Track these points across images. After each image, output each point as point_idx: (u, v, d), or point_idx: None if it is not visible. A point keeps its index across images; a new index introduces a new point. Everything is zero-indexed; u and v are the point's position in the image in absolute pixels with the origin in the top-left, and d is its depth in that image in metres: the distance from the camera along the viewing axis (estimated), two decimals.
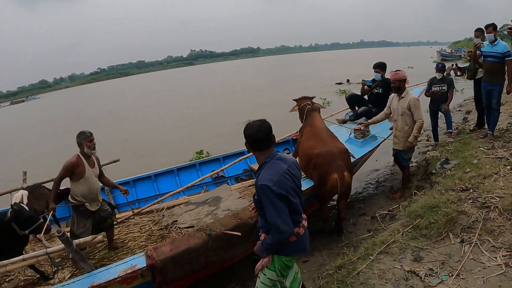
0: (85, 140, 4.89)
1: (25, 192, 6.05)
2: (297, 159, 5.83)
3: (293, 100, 6.42)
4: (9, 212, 4.35)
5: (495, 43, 6.65)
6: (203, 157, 9.66)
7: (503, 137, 6.81)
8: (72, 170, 4.83)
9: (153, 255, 4.09)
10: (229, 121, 15.60)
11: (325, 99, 18.25)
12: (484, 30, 6.89)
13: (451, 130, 7.86)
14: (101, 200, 5.26)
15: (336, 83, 27.18)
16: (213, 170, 7.41)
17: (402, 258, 3.77)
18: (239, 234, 4.39)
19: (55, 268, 5.13)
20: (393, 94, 6.27)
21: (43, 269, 5.13)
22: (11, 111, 57.26)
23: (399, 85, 5.90)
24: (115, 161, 7.20)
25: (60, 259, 5.31)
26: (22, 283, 5.02)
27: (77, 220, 5.02)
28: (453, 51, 47.84)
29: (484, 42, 6.92)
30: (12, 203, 5.65)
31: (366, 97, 7.64)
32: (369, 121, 6.57)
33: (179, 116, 21.55)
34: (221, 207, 5.99)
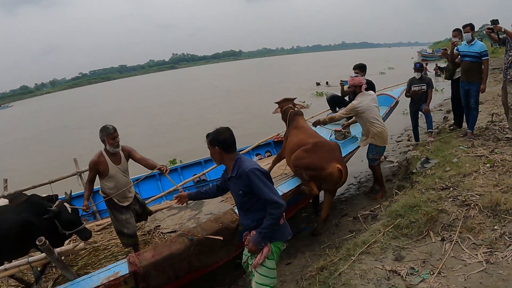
0: (107, 137, 4.64)
1: (5, 201, 5.74)
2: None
3: (275, 102, 6.43)
4: (53, 208, 4.42)
5: (472, 42, 6.76)
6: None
7: (483, 135, 6.92)
8: (96, 168, 4.71)
9: (136, 261, 4.05)
10: (204, 128, 15.31)
11: (303, 101, 18.35)
12: (462, 30, 6.99)
13: (431, 130, 7.95)
14: (132, 196, 5.10)
15: (316, 83, 27.35)
16: (195, 174, 7.37)
17: (383, 258, 3.78)
18: (221, 238, 4.34)
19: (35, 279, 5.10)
20: None
21: (26, 278, 5.07)
22: None
23: (354, 90, 6.18)
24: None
25: (40, 268, 5.11)
26: None
27: (115, 217, 4.95)
28: (434, 51, 48.51)
29: (462, 42, 7.02)
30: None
31: (346, 98, 7.68)
32: (350, 121, 6.62)
33: (155, 123, 21.41)
34: (203, 211, 5.95)
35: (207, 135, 3.19)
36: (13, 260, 4.55)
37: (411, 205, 4.51)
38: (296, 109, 6.18)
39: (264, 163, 7.00)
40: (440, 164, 5.85)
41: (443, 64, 27.40)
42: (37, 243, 3.55)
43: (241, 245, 4.86)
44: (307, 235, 5.77)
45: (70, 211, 4.51)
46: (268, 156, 8.08)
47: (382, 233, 4.20)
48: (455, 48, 7.14)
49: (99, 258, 5.44)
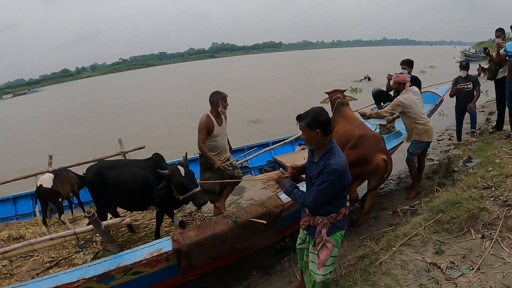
0: (221, 100, 5.25)
1: (51, 175, 6.22)
2: None
3: (325, 92, 6.53)
4: (165, 171, 4.63)
5: None
6: None
7: None
8: (207, 128, 5.19)
9: (179, 239, 4.10)
10: (241, 117, 15.64)
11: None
12: (504, 30, 6.91)
13: (474, 130, 7.86)
14: (227, 157, 5.58)
15: (355, 81, 27.00)
16: (238, 161, 7.54)
17: (424, 250, 3.87)
18: (265, 222, 4.35)
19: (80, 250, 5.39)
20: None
21: (65, 251, 5.40)
22: (14, 103, 58.37)
23: (398, 88, 6.20)
24: (140, 148, 7.44)
25: (83, 241, 5.50)
26: (46, 264, 5.17)
27: (203, 173, 5.42)
28: (477, 51, 47.04)
29: (505, 42, 6.92)
30: (38, 184, 6.01)
31: (391, 93, 7.68)
32: (395, 115, 6.64)
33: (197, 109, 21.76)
34: (244, 196, 6.10)
35: (300, 117, 3.06)
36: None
37: (452, 201, 4.55)
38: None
39: (305, 154, 7.12)
40: (482, 164, 5.83)
41: (486, 64, 26.61)
42: (85, 215, 3.76)
43: (283, 231, 5.04)
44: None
45: (183, 174, 4.61)
46: (303, 148, 8.11)
47: (423, 226, 4.28)
48: (502, 48, 7.03)
49: (139, 236, 5.69)
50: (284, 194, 4.35)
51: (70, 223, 6.28)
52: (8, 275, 5.09)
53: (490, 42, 64.81)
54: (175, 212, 5.43)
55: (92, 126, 21.10)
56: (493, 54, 7.34)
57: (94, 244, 5.62)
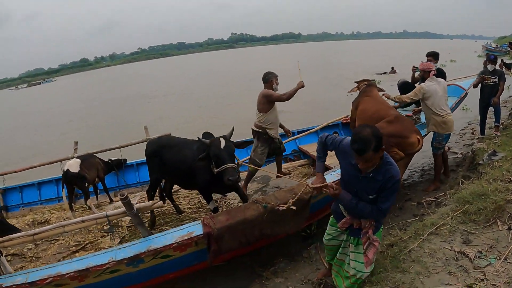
0: (274, 78, 5.98)
1: (78, 160, 6.44)
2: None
3: (355, 82, 6.66)
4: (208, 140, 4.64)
5: None
6: None
7: None
8: (273, 95, 5.92)
9: (210, 223, 4.12)
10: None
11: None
12: None
13: (498, 124, 7.87)
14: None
15: (376, 74, 26.82)
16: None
17: (451, 239, 3.93)
18: (294, 208, 4.26)
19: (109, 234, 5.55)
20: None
21: (91, 235, 5.60)
22: (29, 92, 59.04)
23: (423, 76, 6.26)
24: (166, 135, 7.38)
25: (109, 226, 5.71)
26: (72, 248, 5.36)
27: (259, 146, 6.07)
28: (498, 46, 46.36)
29: None
30: (65, 169, 6.26)
31: (416, 85, 7.71)
32: (421, 107, 6.66)
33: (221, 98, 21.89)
34: (270, 184, 6.18)
35: (362, 149, 2.71)
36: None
37: (479, 193, 4.58)
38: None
39: None
40: (508, 158, 5.83)
41: (509, 60, 26.18)
42: (119, 197, 3.80)
43: (311, 218, 5.12)
44: None
45: (222, 146, 4.50)
46: None
47: (450, 217, 4.33)
48: None
49: (165, 221, 5.87)
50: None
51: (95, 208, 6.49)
52: (34, 258, 5.27)
53: (511, 37, 63.81)
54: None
55: (109, 115, 21.48)
56: None
57: (120, 229, 5.79)
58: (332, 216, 3.67)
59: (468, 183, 5.47)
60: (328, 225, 3.73)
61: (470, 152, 7.31)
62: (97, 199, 7.20)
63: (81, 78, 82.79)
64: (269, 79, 5.96)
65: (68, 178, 6.30)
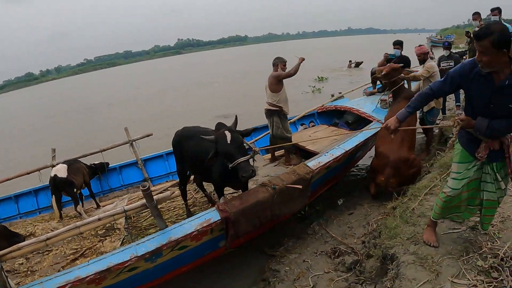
0: (281, 63, 6.45)
1: (65, 165, 6.25)
2: None
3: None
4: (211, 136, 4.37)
5: None
6: None
7: None
8: (281, 76, 6.37)
9: (226, 208, 4.22)
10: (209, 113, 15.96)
11: (314, 86, 19.82)
12: (480, 13, 7.70)
13: (459, 104, 8.71)
14: None
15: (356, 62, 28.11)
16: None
17: None
18: (301, 187, 4.68)
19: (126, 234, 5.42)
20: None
21: (87, 241, 5.41)
22: None
23: (424, 58, 6.92)
24: (148, 135, 7.62)
25: (104, 230, 5.60)
26: (70, 256, 5.08)
27: (282, 122, 6.62)
28: (442, 37, 49.05)
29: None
30: (52, 175, 6.02)
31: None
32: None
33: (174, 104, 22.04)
34: (260, 174, 6.51)
35: (480, 35, 2.62)
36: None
37: None
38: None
39: (310, 132, 7.79)
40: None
41: (453, 49, 27.95)
42: (141, 188, 3.79)
43: (312, 196, 5.55)
44: (361, 192, 6.57)
45: (228, 141, 4.20)
46: (312, 126, 8.67)
47: (438, 179, 4.93)
48: None
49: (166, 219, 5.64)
50: (321, 159, 4.99)
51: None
52: (28, 272, 4.92)
53: (453, 29, 67.26)
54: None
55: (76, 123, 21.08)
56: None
57: (117, 231, 5.65)
58: (461, 152, 3.22)
59: (445, 153, 6.10)
60: (456, 164, 3.26)
61: (438, 130, 8.02)
62: (82, 206, 6.76)
63: (29, 92, 79.32)
64: (275, 63, 6.48)
65: (57, 184, 6.03)
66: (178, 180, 6.02)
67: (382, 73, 6.51)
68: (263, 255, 5.28)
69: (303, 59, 6.35)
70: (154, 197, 3.93)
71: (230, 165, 4.19)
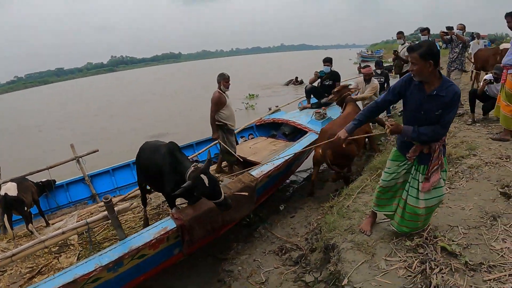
0: (223, 80, 6.50)
1: (14, 184, 6.09)
2: None
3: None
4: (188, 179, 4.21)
5: None
6: None
7: None
8: (220, 101, 6.47)
9: (180, 216, 4.46)
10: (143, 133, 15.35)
11: (247, 103, 20.26)
12: (403, 32, 8.73)
13: (390, 114, 9.69)
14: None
15: (286, 84, 28.95)
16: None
17: None
18: (247, 194, 5.10)
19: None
20: (360, 80, 8.35)
21: (42, 259, 5.24)
22: None
23: (370, 77, 8.08)
24: (94, 151, 7.49)
25: (58, 247, 5.45)
26: (26, 275, 4.95)
27: (226, 137, 6.77)
28: (372, 52, 51.56)
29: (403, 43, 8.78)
30: (2, 194, 5.82)
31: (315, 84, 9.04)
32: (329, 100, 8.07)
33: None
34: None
35: (412, 48, 3.16)
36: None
37: (386, 161, 5.82)
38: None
39: (250, 144, 8.21)
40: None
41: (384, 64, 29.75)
42: (103, 200, 3.92)
43: (256, 202, 5.89)
44: (299, 198, 7.13)
45: (207, 184, 4.13)
46: (252, 138, 9.08)
47: (369, 180, 5.56)
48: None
49: (114, 233, 5.65)
50: (263, 168, 5.38)
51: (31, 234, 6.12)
52: None
53: (382, 44, 70.95)
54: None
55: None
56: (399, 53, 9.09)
57: (71, 247, 5.56)
58: (394, 151, 3.75)
59: (375, 157, 6.80)
60: (389, 160, 3.79)
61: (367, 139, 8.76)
62: (32, 224, 6.34)
63: None
64: (218, 81, 6.57)
65: (8, 203, 5.86)
66: (133, 191, 6.46)
67: (335, 90, 7.49)
68: (215, 260, 5.58)
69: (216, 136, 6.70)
70: (115, 208, 4.08)
71: (214, 202, 4.27)
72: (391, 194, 3.83)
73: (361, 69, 8.23)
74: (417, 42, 3.44)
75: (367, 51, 54.90)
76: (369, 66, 8.40)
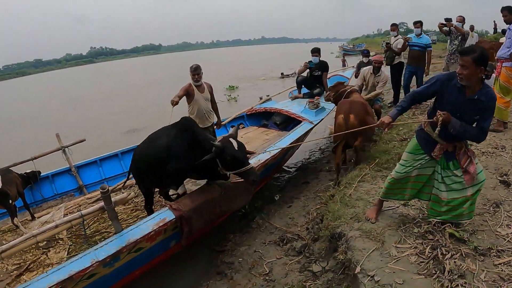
0: (191, 73, 6.28)
1: None
2: None
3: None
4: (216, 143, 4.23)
5: (420, 36, 8.72)
6: None
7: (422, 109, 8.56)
8: (186, 91, 6.24)
9: (179, 207, 4.34)
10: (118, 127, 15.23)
11: (229, 95, 19.66)
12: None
13: (380, 103, 9.61)
14: (210, 123, 6.66)
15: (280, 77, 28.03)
16: None
17: (376, 182, 5.09)
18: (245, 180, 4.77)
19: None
20: (366, 71, 7.97)
21: (30, 255, 5.05)
22: None
23: (379, 65, 7.74)
24: (81, 141, 7.34)
25: (46, 242, 5.21)
26: (13, 272, 4.75)
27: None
28: (354, 46, 52.03)
29: (411, 35, 8.88)
30: None
31: (304, 74, 9.08)
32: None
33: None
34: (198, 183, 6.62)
35: (465, 51, 3.09)
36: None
37: (382, 150, 6.07)
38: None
39: (241, 133, 8.02)
40: (394, 126, 7.33)
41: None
42: (100, 190, 3.72)
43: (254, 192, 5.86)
44: (295, 188, 7.10)
45: (236, 148, 4.17)
46: (242, 127, 8.97)
47: (368, 168, 5.56)
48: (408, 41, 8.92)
49: (104, 226, 5.61)
50: (260, 157, 5.34)
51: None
52: None
53: (363, 38, 71.48)
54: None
55: None
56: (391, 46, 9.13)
57: (60, 241, 5.38)
58: (414, 145, 3.69)
59: (371, 147, 6.83)
60: (406, 153, 3.76)
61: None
62: (16, 217, 6.13)
63: None
64: (190, 74, 6.33)
65: None
66: (122, 182, 6.21)
67: (332, 85, 7.34)
68: (212, 252, 5.49)
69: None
70: (112, 199, 3.89)
71: (233, 172, 4.27)
72: (400, 185, 3.85)
73: (372, 57, 8.11)
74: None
75: (349, 45, 55.28)
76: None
